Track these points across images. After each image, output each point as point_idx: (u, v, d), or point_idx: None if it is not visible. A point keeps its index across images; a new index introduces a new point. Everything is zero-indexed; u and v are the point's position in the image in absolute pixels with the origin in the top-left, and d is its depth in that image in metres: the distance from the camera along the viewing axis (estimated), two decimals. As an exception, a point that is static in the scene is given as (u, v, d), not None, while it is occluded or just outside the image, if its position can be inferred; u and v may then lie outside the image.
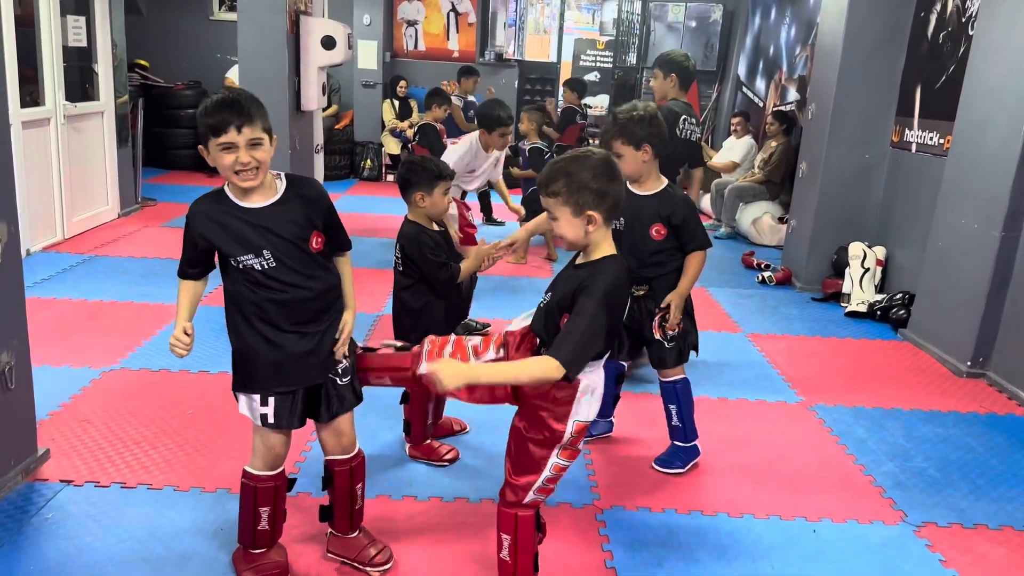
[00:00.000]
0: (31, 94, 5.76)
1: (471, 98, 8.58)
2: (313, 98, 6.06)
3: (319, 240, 2.21)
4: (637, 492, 2.98)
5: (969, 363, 4.33)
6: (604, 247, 2.08)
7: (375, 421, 3.39)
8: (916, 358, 4.56)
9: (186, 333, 2.15)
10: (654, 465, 3.19)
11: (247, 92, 2.12)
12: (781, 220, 7.36)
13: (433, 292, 2.95)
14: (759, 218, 7.45)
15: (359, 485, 2.44)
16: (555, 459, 2.13)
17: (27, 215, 5.55)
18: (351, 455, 2.40)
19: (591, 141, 8.80)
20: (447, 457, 3.10)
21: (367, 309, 4.83)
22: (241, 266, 2.11)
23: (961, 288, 4.42)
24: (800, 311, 5.43)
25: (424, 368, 2.20)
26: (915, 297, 4.97)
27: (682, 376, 3.17)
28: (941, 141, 5.06)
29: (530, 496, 2.17)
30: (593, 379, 2.09)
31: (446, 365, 1.93)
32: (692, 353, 3.17)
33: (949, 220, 4.60)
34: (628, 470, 3.15)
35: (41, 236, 5.85)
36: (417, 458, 3.11)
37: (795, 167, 6.90)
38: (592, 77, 12.33)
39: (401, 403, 3.13)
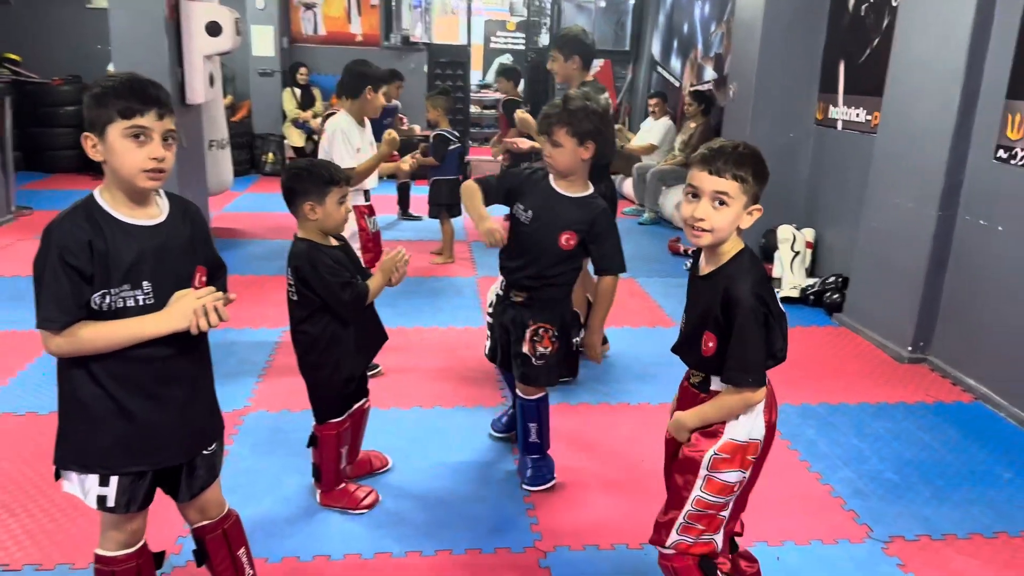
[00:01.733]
0: None
1: (395, 102, 8.05)
2: (199, 90, 5.49)
3: (202, 278, 1.79)
4: (581, 527, 2.66)
5: (910, 348, 4.18)
6: (731, 244, 1.86)
7: (278, 464, 2.97)
8: (854, 344, 4.39)
9: None
10: (526, 487, 2.88)
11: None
12: (705, 203, 7.17)
13: (339, 320, 2.54)
14: (682, 202, 7.23)
15: (240, 550, 2.05)
16: (699, 492, 1.91)
17: None
18: (221, 517, 1.99)
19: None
20: (365, 503, 2.71)
21: (270, 324, 4.36)
22: (106, 303, 1.66)
23: (898, 270, 4.26)
24: (733, 299, 5.21)
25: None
26: (849, 280, 4.82)
27: (544, 393, 2.87)
28: (869, 117, 4.90)
29: (673, 537, 1.95)
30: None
31: (672, 422, 1.97)
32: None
33: (882, 199, 4.44)
34: (567, 500, 2.83)
35: None
36: (330, 507, 2.71)
37: (717, 148, 6.70)
38: (505, 60, 11.96)
39: (309, 446, 2.71)
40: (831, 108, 5.37)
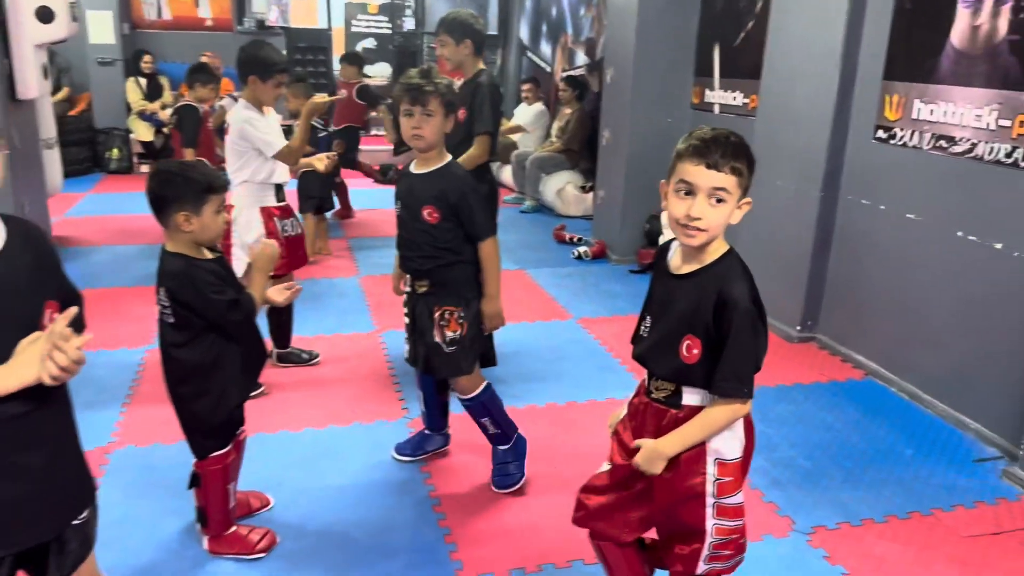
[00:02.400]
0: None
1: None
2: (32, 83, 4.86)
3: (53, 315, 1.46)
4: (504, 549, 2.47)
5: (799, 328, 4.26)
6: (717, 245, 1.71)
7: (156, 507, 2.61)
8: (746, 327, 4.42)
9: None
10: (493, 488, 2.76)
11: None
12: (584, 189, 7.13)
13: (223, 341, 2.23)
14: (562, 188, 7.17)
15: None
16: (715, 521, 1.78)
17: None
18: None
19: (376, 112, 8.12)
20: (261, 546, 2.41)
21: (130, 344, 3.91)
22: None
23: (784, 252, 4.32)
24: (623, 286, 5.17)
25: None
26: (734, 262, 4.86)
27: (483, 386, 2.75)
28: (746, 100, 4.95)
29: (703, 568, 1.83)
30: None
31: (644, 452, 1.76)
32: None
33: (764, 182, 4.47)
34: (487, 519, 2.64)
35: None
36: (221, 554, 2.39)
37: (592, 133, 6.66)
38: (368, 44, 11.52)
39: (191, 487, 2.38)
40: (707, 92, 5.40)
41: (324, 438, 3.12)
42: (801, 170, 4.17)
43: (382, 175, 8.46)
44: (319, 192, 5.40)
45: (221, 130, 5.58)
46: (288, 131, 5.17)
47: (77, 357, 1.37)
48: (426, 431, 3.00)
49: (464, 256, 2.62)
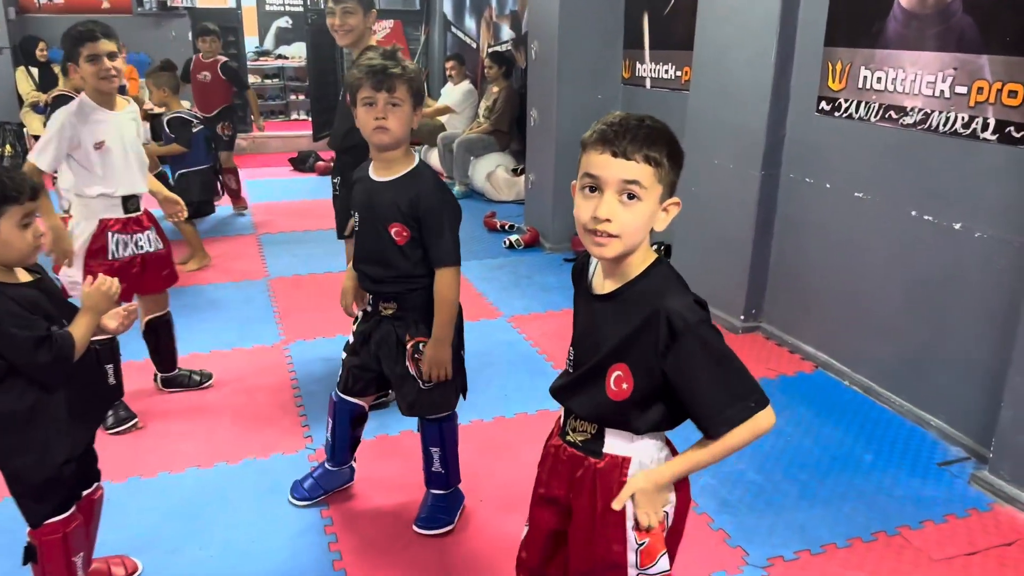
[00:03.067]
0: None
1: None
2: None
3: None
4: (415, 612, 2.10)
5: (743, 317, 3.96)
6: (643, 252, 1.39)
7: (-8, 588, 2.16)
8: (688, 318, 4.11)
9: None
10: (417, 528, 2.41)
11: None
12: (515, 172, 6.75)
13: (39, 387, 1.79)
14: (492, 172, 6.77)
15: None
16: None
17: None
18: None
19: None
20: (117, 633, 1.99)
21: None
22: None
23: (724, 235, 4.01)
24: (557, 278, 4.80)
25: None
26: (671, 249, 4.54)
27: (449, 412, 2.39)
28: (679, 74, 4.61)
29: None
30: (643, 447, 1.45)
31: (641, 496, 1.41)
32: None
33: (700, 162, 4.15)
34: (395, 569, 2.26)
35: None
36: (65, 647, 1.96)
37: (522, 113, 6.27)
38: (283, 23, 10.90)
39: (26, 563, 1.94)
40: (638, 65, 5.05)
41: (210, 480, 2.69)
42: (739, 148, 3.85)
43: (301, 162, 7.94)
44: (200, 195, 4.83)
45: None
46: (155, 120, 4.67)
47: None
48: (328, 466, 2.60)
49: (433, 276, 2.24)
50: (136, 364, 3.34)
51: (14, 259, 1.76)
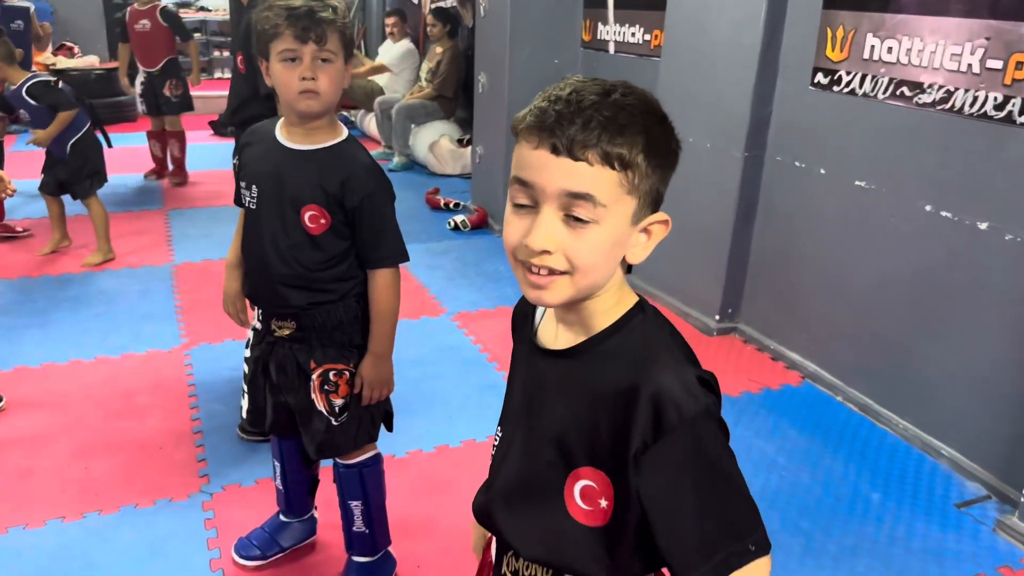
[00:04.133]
0: None
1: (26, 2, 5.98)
2: None
3: None
4: None
5: (718, 317, 3.51)
6: (614, 293, 0.91)
7: None
8: (656, 315, 3.64)
9: None
10: None
11: None
12: (461, 143, 6.17)
13: None
14: (436, 142, 6.18)
15: None
16: None
17: None
18: None
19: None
20: None
21: None
22: None
23: (698, 224, 3.54)
24: (507, 266, 4.28)
25: None
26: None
27: (372, 453, 1.90)
28: (647, 37, 4.10)
29: None
30: None
31: None
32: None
33: (673, 138, 3.67)
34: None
35: None
36: None
37: (468, 76, 5.70)
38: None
39: None
40: (600, 27, 4.51)
41: (76, 538, 2.12)
42: (719, 125, 3.37)
43: (222, 126, 7.19)
44: (98, 162, 4.05)
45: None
46: (48, 88, 3.87)
47: None
48: (282, 517, 2.08)
49: (354, 286, 1.73)
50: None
51: None
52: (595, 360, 0.89)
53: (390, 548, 2.01)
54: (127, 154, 6.00)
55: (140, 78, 5.68)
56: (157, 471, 2.40)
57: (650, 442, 0.83)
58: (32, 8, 5.90)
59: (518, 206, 0.84)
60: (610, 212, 0.82)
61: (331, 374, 1.75)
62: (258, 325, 1.83)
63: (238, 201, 1.79)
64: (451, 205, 5.18)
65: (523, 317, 1.02)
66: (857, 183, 2.89)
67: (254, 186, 1.72)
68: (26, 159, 5.32)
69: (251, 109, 2.61)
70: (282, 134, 1.70)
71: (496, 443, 1.02)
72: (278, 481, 2.04)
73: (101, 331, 3.29)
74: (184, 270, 4.01)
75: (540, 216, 0.82)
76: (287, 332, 1.76)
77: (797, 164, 3.16)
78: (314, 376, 1.75)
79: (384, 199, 1.71)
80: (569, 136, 0.79)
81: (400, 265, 1.76)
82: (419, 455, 2.53)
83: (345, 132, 1.72)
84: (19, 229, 4.45)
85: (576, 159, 0.79)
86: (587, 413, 0.88)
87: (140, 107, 5.81)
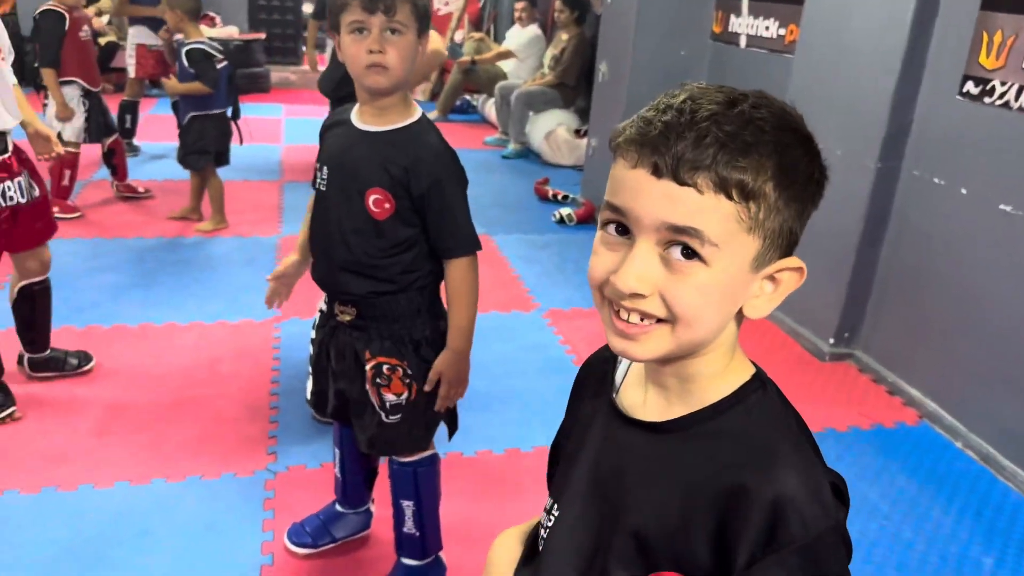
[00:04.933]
0: None
1: None
2: None
3: None
4: None
5: (832, 341, 3.22)
6: (722, 355, 0.75)
7: None
8: (765, 335, 3.39)
9: None
10: None
11: None
12: (579, 133, 6.01)
13: None
14: (553, 131, 6.05)
15: None
16: None
17: None
18: None
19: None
20: None
21: None
22: None
23: (819, 236, 3.23)
24: (610, 264, 4.12)
25: None
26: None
27: (428, 453, 1.81)
28: (782, 32, 3.81)
29: None
30: None
31: None
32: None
33: (799, 143, 3.39)
34: None
35: None
36: None
37: (591, 65, 5.53)
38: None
39: None
40: (732, 19, 4.24)
41: (139, 502, 2.14)
42: (853, 131, 3.08)
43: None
44: (216, 144, 4.12)
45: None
46: (205, 56, 3.97)
47: None
48: (337, 507, 2.04)
49: (418, 278, 1.65)
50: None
51: None
52: (697, 442, 0.73)
53: (441, 554, 1.92)
54: (256, 125, 6.19)
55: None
56: (228, 443, 2.41)
57: (759, 555, 0.67)
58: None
59: (608, 236, 0.70)
60: (723, 253, 0.66)
61: (384, 367, 1.67)
62: (324, 307, 1.78)
63: (314, 183, 1.74)
64: (559, 197, 5.04)
65: (599, 370, 0.86)
66: (1003, 207, 2.56)
67: (325, 168, 1.67)
68: (160, 122, 5.57)
69: (349, 87, 2.55)
70: (356, 116, 1.64)
71: (549, 522, 0.85)
72: (337, 469, 1.99)
73: (201, 297, 3.37)
74: (289, 242, 4.06)
75: (634, 250, 0.67)
76: (348, 318, 1.70)
77: (936, 180, 2.84)
78: (367, 367, 1.68)
79: (453, 186, 1.62)
80: (675, 154, 0.64)
81: (479, 254, 1.68)
82: (487, 456, 2.43)
83: (419, 113, 1.63)
84: (140, 190, 4.64)
85: (682, 183, 0.65)
86: (679, 507, 0.71)
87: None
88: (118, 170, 4.58)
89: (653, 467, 0.75)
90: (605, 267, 0.69)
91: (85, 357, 2.75)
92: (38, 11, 4.11)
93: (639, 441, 0.76)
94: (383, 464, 1.97)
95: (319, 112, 7.08)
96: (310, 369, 1.87)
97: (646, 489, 0.74)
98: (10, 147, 2.35)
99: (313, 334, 1.82)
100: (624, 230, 0.69)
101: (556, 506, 0.84)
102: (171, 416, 2.53)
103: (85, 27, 4.23)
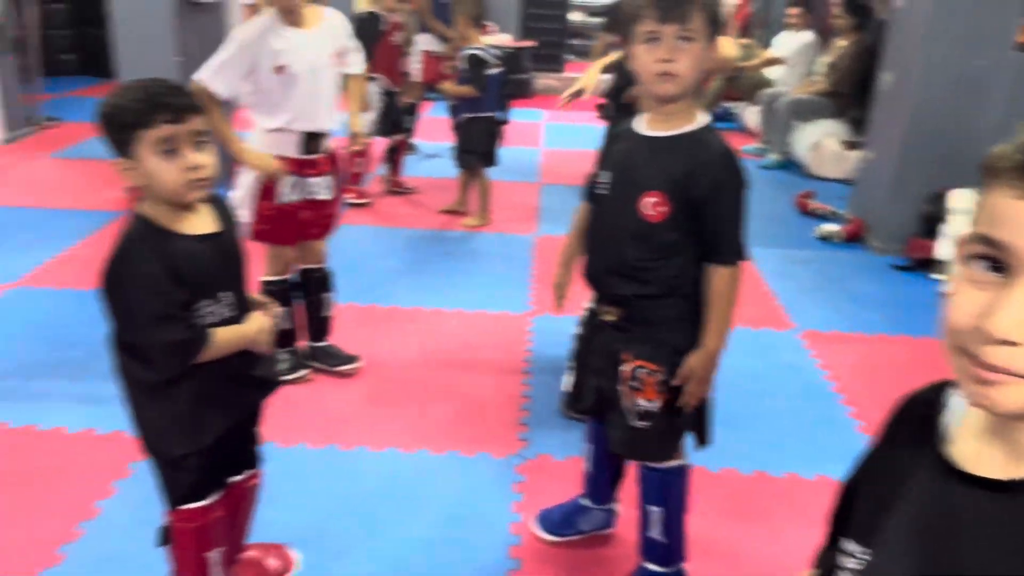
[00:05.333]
0: None
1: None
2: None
3: None
4: None
5: None
6: None
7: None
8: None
9: None
10: None
11: None
12: (850, 145, 5.64)
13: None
14: (820, 142, 5.73)
15: None
16: None
17: None
18: None
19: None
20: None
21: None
22: None
23: None
24: (879, 288, 3.83)
25: None
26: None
27: (678, 463, 1.82)
28: (1115, 39, 3.32)
29: None
30: None
31: None
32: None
33: None
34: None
35: None
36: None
37: (869, 74, 5.16)
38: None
39: (160, 544, 1.70)
40: (1049, 24, 3.76)
41: (407, 468, 2.35)
42: None
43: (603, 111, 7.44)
44: (483, 144, 4.37)
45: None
46: (479, 63, 4.23)
47: None
48: (581, 501, 2.12)
49: (684, 284, 1.67)
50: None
51: (165, 193, 1.44)
52: None
53: (684, 566, 1.91)
54: (519, 129, 6.48)
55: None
56: (483, 425, 2.56)
57: None
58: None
59: (979, 275, 0.64)
60: None
61: (640, 371, 1.69)
62: (591, 305, 1.84)
63: (589, 189, 1.81)
64: (823, 212, 4.77)
65: (919, 413, 0.79)
66: None
67: (608, 173, 1.72)
68: (437, 124, 6.01)
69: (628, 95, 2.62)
70: (642, 121, 1.68)
71: (850, 563, 0.79)
72: (587, 464, 2.05)
73: (464, 286, 3.60)
74: (544, 242, 4.22)
75: (1014, 292, 0.61)
76: (612, 318, 1.74)
77: None
78: (625, 368, 1.71)
79: (733, 192, 1.62)
80: None
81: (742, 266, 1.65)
82: (733, 475, 2.37)
83: (703, 119, 1.64)
84: (408, 186, 5.04)
85: None
86: None
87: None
88: (395, 166, 5.02)
89: (996, 532, 0.67)
90: (971, 311, 0.63)
91: (350, 359, 2.84)
92: (360, 12, 4.62)
93: (978, 500, 0.69)
94: (631, 465, 1.99)
95: (577, 118, 7.28)
96: (571, 363, 1.93)
97: (988, 553, 0.67)
98: (326, 148, 2.61)
99: (579, 330, 1.89)
100: (999, 267, 0.62)
101: (859, 548, 0.79)
102: (434, 393, 2.74)
103: (397, 33, 4.70)
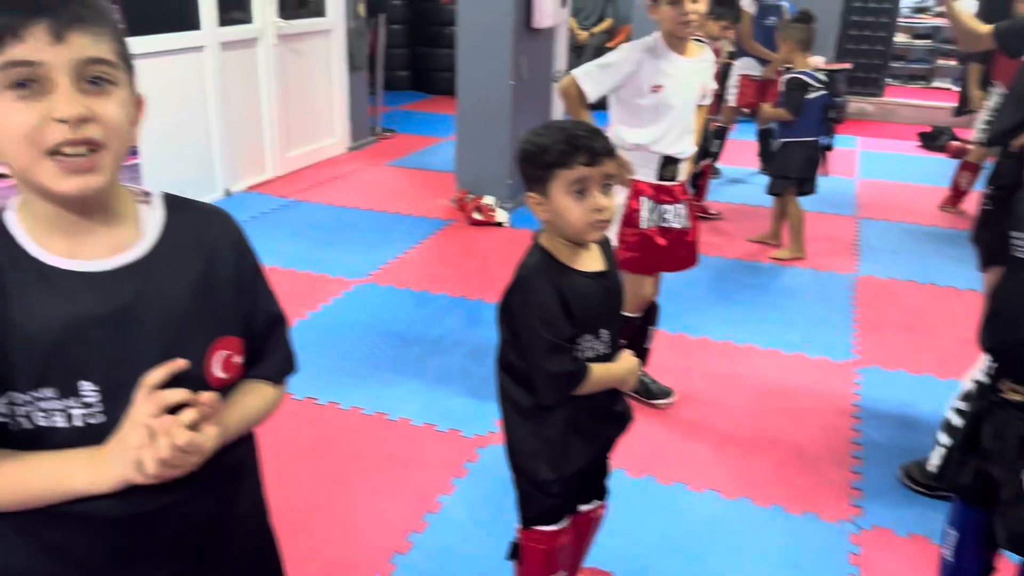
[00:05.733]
0: (236, 9, 5.08)
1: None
2: (548, 12, 4.71)
3: (232, 357, 0.98)
4: None
5: None
6: None
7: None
8: None
9: None
10: None
11: None
12: None
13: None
14: None
15: None
16: None
17: (227, 150, 4.95)
18: None
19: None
20: None
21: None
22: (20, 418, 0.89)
23: None
24: None
25: None
26: None
27: None
28: None
29: None
30: None
31: None
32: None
33: None
34: None
35: (246, 174, 5.25)
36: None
37: None
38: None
39: (510, 558, 1.80)
40: None
41: (727, 515, 2.28)
42: None
43: (931, 139, 6.77)
44: (799, 171, 4.16)
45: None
46: (800, 87, 4.05)
47: (187, 443, 0.86)
48: None
49: None
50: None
51: (570, 231, 1.50)
52: None
53: None
54: (831, 156, 6.10)
55: (995, 99, 4.71)
56: (809, 481, 2.42)
57: None
58: (785, 6, 6.27)
59: None
60: None
61: None
62: (983, 379, 1.65)
63: (990, 254, 1.62)
64: None
65: None
66: None
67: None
68: (744, 147, 5.84)
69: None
70: None
71: None
72: (948, 553, 1.84)
73: (776, 324, 3.44)
74: (866, 283, 3.92)
75: None
76: (1018, 398, 1.54)
77: None
78: None
79: None
80: None
81: None
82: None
83: None
84: (712, 212, 4.93)
85: None
86: None
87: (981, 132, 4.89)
88: (700, 190, 4.94)
89: None
90: None
91: (665, 391, 2.83)
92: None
93: None
94: (1003, 562, 1.76)
95: (896, 147, 6.72)
96: (942, 437, 1.75)
97: None
98: (681, 176, 2.64)
99: (961, 404, 1.71)
100: None
101: None
102: (752, 437, 2.64)
103: (716, 58, 4.64)
